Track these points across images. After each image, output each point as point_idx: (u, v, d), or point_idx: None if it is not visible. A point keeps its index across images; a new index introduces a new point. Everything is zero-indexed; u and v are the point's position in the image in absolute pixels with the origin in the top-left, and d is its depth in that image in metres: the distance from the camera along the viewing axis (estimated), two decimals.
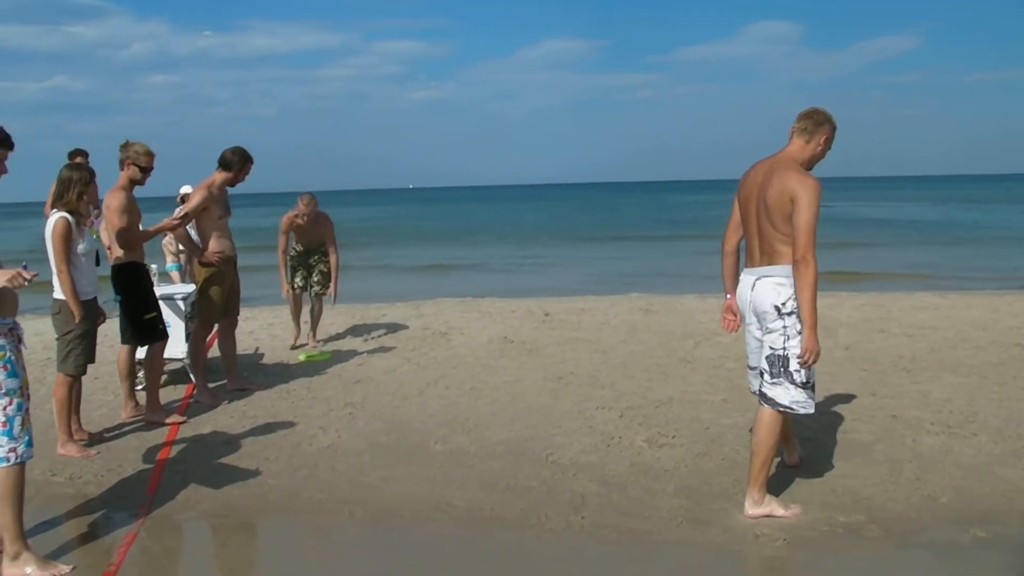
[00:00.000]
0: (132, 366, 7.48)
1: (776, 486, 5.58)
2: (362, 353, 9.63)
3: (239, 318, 8.54)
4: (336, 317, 11.75)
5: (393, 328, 10.98)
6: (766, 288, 5.11)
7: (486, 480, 5.90)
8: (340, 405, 7.65)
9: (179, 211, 8.53)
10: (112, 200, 7.00)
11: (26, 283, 4.28)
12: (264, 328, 11.20)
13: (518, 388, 8.09)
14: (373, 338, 10.46)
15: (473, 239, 37.73)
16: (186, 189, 11.18)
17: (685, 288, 15.28)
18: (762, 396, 5.24)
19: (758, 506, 5.23)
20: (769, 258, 5.12)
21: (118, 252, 7.10)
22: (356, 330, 10.98)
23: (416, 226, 50.33)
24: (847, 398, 7.52)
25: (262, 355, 9.69)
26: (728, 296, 5.74)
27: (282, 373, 8.85)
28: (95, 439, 6.91)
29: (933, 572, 4.81)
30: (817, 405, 7.28)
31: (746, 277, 5.31)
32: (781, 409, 5.15)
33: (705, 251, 28.20)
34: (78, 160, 9.38)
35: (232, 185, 8.02)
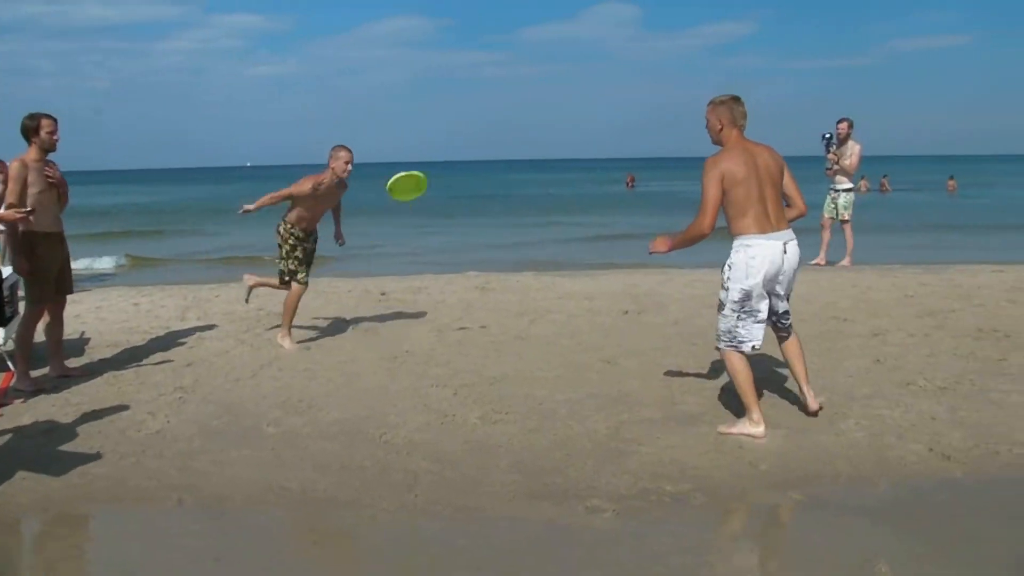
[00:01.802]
0: None
1: (603, 457, 5.73)
2: (194, 335, 9.42)
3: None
4: (167, 299, 11.48)
5: (227, 309, 10.78)
6: (797, 250, 6.19)
7: (320, 461, 5.87)
8: (170, 389, 7.47)
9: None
10: None
11: None
12: (91, 311, 10.84)
13: (353, 368, 8.06)
14: (206, 320, 10.24)
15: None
16: None
17: (522, 266, 15.45)
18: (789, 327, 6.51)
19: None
20: (785, 223, 6.13)
21: None
22: (188, 312, 10.72)
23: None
24: (677, 372, 7.74)
25: (88, 339, 9.38)
26: None
27: (109, 358, 8.58)
28: None
29: (752, 534, 5.11)
30: (646, 378, 7.52)
31: (773, 242, 6.01)
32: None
33: (543, 228, 28.73)
34: None
35: (46, 153, 7.60)
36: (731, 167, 5.96)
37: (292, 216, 8.93)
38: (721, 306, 6.18)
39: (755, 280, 5.98)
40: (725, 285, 6.10)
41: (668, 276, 12.81)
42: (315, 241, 9.19)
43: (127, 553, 4.86)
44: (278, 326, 9.18)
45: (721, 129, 6.15)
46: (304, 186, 8.78)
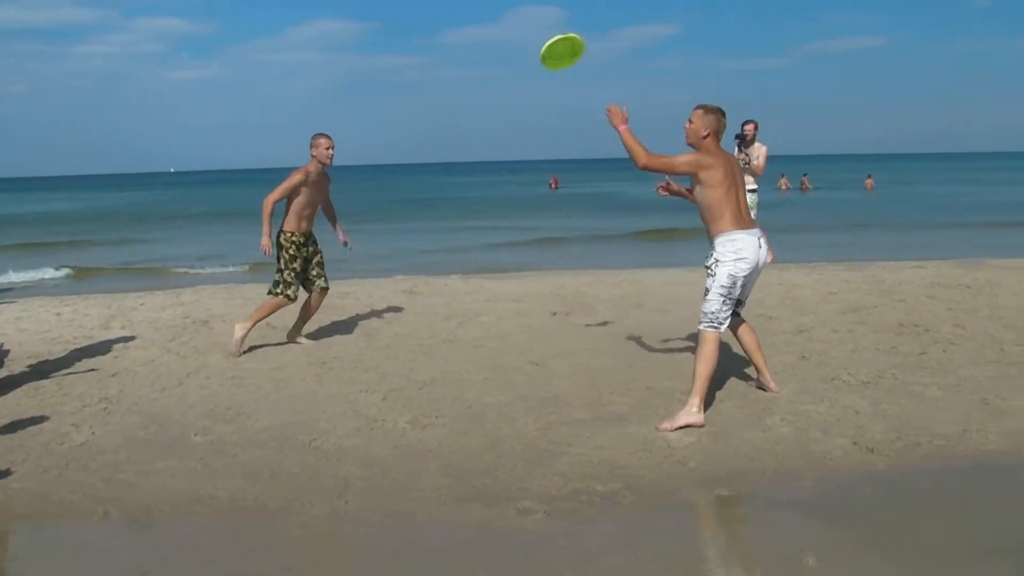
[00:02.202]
0: None
1: (533, 459, 5.77)
2: (118, 345, 9.25)
3: None
4: (90, 308, 11.27)
5: (152, 318, 10.61)
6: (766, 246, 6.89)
7: (249, 469, 5.82)
8: (95, 400, 7.34)
9: None
10: None
11: None
12: (11, 322, 10.61)
13: (281, 375, 7.99)
14: (131, 329, 10.06)
15: (235, 224, 36.72)
16: None
17: (450, 269, 15.45)
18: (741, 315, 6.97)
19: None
20: (754, 222, 6.85)
21: None
22: (112, 321, 10.51)
23: (176, 210, 48.56)
24: (606, 372, 7.79)
25: (8, 351, 9.18)
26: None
27: (30, 370, 8.41)
28: None
29: (682, 531, 5.16)
30: (574, 379, 7.56)
31: (752, 236, 6.62)
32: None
33: (471, 232, 28.74)
34: None
35: None
36: (714, 167, 6.48)
37: (290, 221, 8.87)
38: (706, 291, 6.63)
39: (745, 267, 6.53)
40: (712, 272, 6.59)
41: (596, 277, 12.90)
42: (315, 243, 9.12)
43: (52, 569, 4.77)
44: (238, 328, 8.94)
45: (706, 136, 6.55)
46: (294, 179, 8.76)
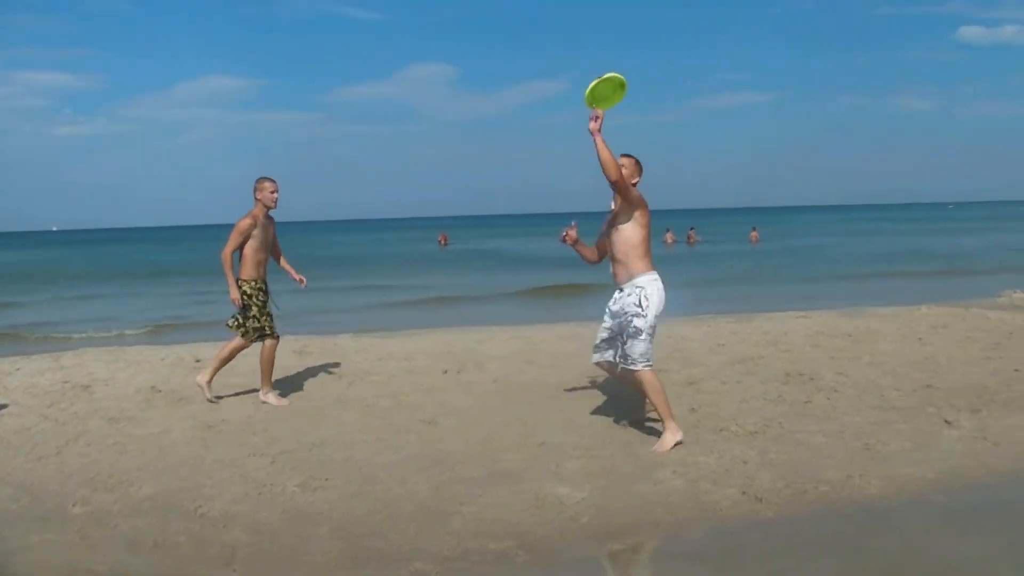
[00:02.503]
0: None
1: (425, 519, 5.70)
2: None
3: None
4: None
5: (28, 383, 10.23)
6: None
7: (131, 540, 5.61)
8: None
9: None
10: None
11: None
12: None
13: (166, 440, 7.77)
14: (5, 395, 9.68)
15: (121, 282, 35.93)
16: None
17: (342, 328, 15.30)
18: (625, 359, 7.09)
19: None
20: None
21: None
22: None
23: (57, 271, 47.23)
24: (498, 429, 7.76)
25: None
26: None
27: None
28: None
29: None
30: (465, 437, 7.53)
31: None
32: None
33: (362, 290, 28.54)
34: None
35: None
36: (647, 208, 7.05)
37: (248, 270, 8.93)
38: (639, 332, 6.94)
39: (662, 307, 7.03)
40: (643, 313, 6.94)
41: (488, 334, 12.88)
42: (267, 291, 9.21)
43: None
44: (200, 378, 8.97)
45: (635, 183, 7.06)
46: (243, 225, 8.83)
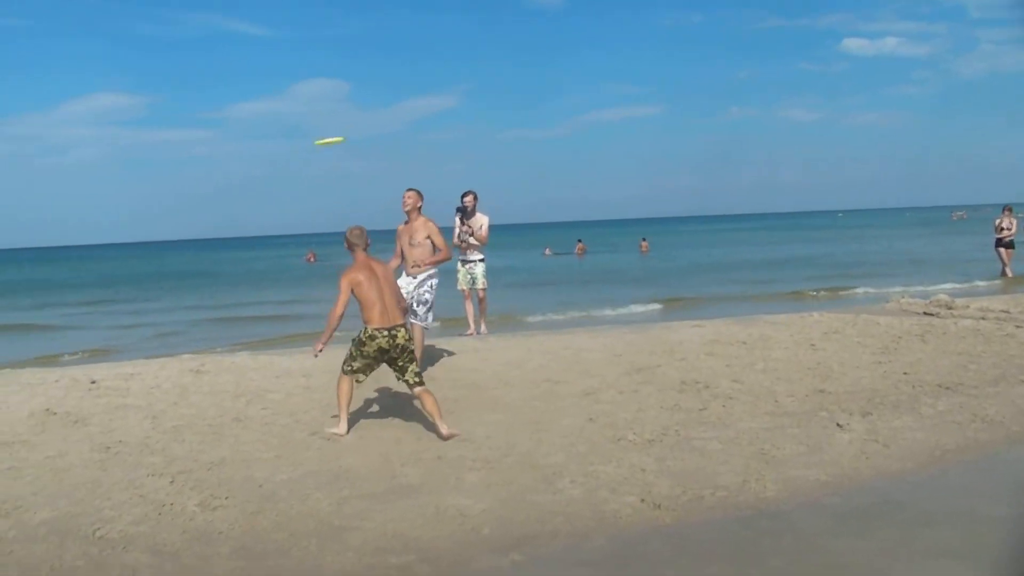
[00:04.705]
0: None
1: (326, 535, 5.71)
2: None
3: None
4: None
5: None
6: None
7: (27, 565, 5.54)
8: None
9: None
10: None
11: None
12: None
13: (62, 463, 7.63)
14: None
15: (8, 302, 35.02)
16: None
17: (238, 344, 15.16)
18: None
19: None
20: None
21: None
22: None
23: None
24: (396, 443, 7.82)
25: None
26: None
27: None
28: None
29: None
30: (365, 452, 7.55)
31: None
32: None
33: (250, 305, 28.21)
34: None
35: None
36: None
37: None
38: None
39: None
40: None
41: None
42: None
43: None
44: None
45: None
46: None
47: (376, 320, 8.10)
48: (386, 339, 8.08)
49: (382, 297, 8.13)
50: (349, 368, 8.33)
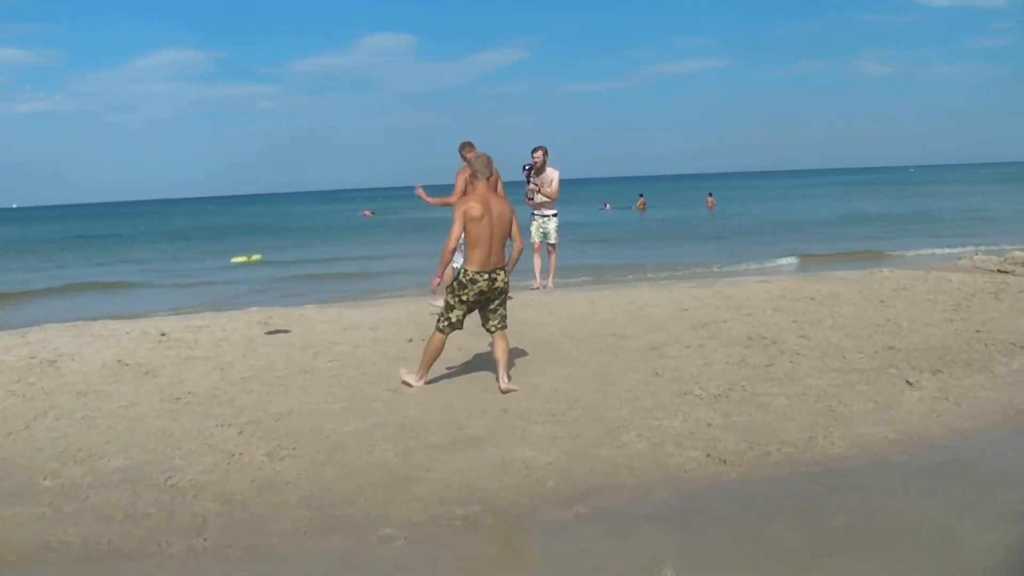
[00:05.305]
0: None
1: (392, 486, 5.77)
2: None
3: None
4: None
5: None
6: None
7: (102, 512, 5.65)
8: None
9: None
10: None
11: None
12: None
13: (134, 412, 7.77)
14: None
15: (83, 258, 35.69)
16: None
17: (309, 298, 15.30)
18: None
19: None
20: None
21: None
22: None
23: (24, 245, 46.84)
24: (462, 396, 7.84)
25: None
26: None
27: None
28: None
29: (541, 550, 5.26)
30: (430, 404, 7.59)
31: None
32: None
33: (331, 261, 28.48)
34: None
35: None
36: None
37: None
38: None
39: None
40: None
41: None
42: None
43: None
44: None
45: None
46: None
47: (477, 262, 7.91)
48: (486, 282, 7.88)
49: (491, 239, 7.87)
50: (447, 323, 8.13)
